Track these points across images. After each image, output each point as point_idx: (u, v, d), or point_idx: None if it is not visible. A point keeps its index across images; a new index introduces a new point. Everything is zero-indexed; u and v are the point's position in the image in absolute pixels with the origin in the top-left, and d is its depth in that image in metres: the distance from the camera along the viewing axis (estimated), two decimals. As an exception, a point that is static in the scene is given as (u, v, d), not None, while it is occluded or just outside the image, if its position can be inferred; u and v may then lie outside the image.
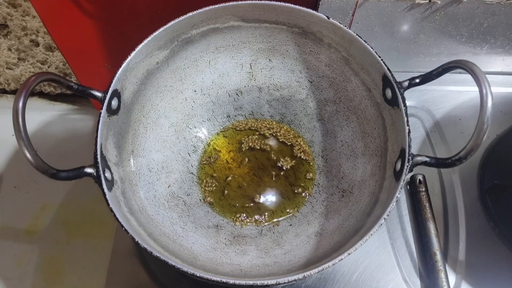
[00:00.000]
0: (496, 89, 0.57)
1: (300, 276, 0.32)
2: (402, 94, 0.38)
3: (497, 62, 0.58)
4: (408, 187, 0.50)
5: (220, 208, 0.47)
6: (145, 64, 0.43)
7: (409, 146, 0.37)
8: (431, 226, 0.46)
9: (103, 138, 0.37)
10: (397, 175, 0.37)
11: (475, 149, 0.33)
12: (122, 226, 0.33)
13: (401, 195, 0.50)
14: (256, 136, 0.52)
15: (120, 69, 0.39)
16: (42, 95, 0.62)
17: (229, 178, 0.49)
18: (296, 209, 0.47)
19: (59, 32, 0.49)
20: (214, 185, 0.49)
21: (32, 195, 0.55)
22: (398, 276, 0.45)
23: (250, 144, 0.51)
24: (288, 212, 0.47)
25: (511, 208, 0.46)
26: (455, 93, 0.57)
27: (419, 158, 0.36)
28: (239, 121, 0.53)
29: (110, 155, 0.39)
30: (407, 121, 0.37)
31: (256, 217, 0.47)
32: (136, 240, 0.32)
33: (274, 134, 0.52)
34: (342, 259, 0.32)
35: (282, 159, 0.50)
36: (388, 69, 0.40)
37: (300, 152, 0.50)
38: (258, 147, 0.51)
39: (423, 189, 0.48)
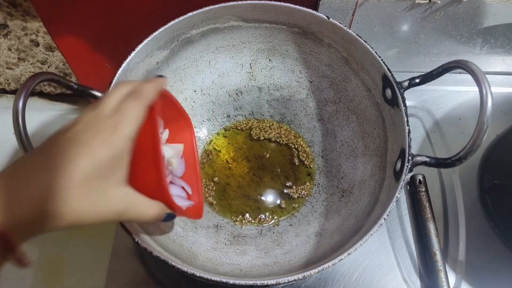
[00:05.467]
0: (496, 89, 0.57)
1: (300, 276, 0.32)
2: (402, 94, 0.38)
3: (497, 62, 0.58)
4: (408, 187, 0.50)
5: (220, 208, 0.47)
6: (145, 64, 0.43)
7: (409, 146, 0.37)
8: (431, 226, 0.46)
9: (103, 138, 0.37)
10: (397, 175, 0.37)
11: (475, 149, 0.33)
12: (122, 226, 0.33)
13: (401, 195, 0.50)
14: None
15: (120, 69, 0.39)
16: (42, 95, 0.62)
17: (229, 178, 0.49)
18: (296, 209, 0.47)
19: (59, 32, 0.49)
20: (214, 185, 0.49)
21: (32, 195, 0.55)
22: (398, 276, 0.45)
23: (261, 137, 0.51)
24: (288, 212, 0.47)
25: (511, 208, 0.46)
26: (455, 93, 0.57)
27: (419, 158, 0.36)
28: (239, 121, 0.53)
29: (110, 155, 0.39)
30: (407, 121, 0.37)
31: (256, 217, 0.47)
32: (136, 240, 0.32)
33: (278, 135, 0.52)
34: (342, 259, 0.32)
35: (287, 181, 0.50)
36: (388, 69, 0.40)
37: (302, 154, 0.50)
38: (264, 138, 0.51)
39: (423, 189, 0.48)
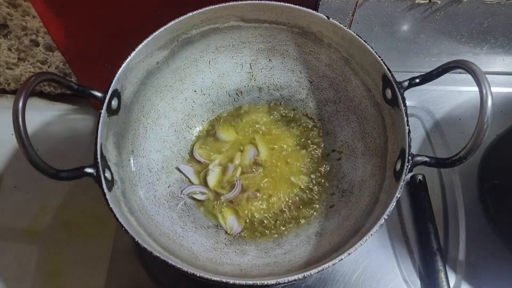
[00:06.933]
0: (496, 89, 0.57)
1: (300, 276, 0.32)
2: (402, 94, 0.38)
3: (497, 62, 0.58)
4: (408, 187, 0.50)
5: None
6: (145, 64, 0.43)
7: (409, 146, 0.37)
8: (431, 226, 0.46)
9: (103, 138, 0.37)
10: (397, 175, 0.37)
11: (475, 149, 0.33)
12: (122, 226, 0.33)
13: (401, 195, 0.50)
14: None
15: (120, 69, 0.39)
16: (42, 95, 0.62)
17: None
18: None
19: (59, 32, 0.49)
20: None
21: (32, 195, 0.55)
22: (398, 276, 0.45)
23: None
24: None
25: (511, 208, 0.46)
26: (455, 93, 0.57)
27: (419, 158, 0.36)
28: (239, 121, 0.53)
29: (110, 155, 0.39)
30: (407, 121, 0.37)
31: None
32: (136, 240, 0.32)
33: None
34: (342, 259, 0.32)
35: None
36: (388, 69, 0.40)
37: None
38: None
39: (423, 189, 0.48)
